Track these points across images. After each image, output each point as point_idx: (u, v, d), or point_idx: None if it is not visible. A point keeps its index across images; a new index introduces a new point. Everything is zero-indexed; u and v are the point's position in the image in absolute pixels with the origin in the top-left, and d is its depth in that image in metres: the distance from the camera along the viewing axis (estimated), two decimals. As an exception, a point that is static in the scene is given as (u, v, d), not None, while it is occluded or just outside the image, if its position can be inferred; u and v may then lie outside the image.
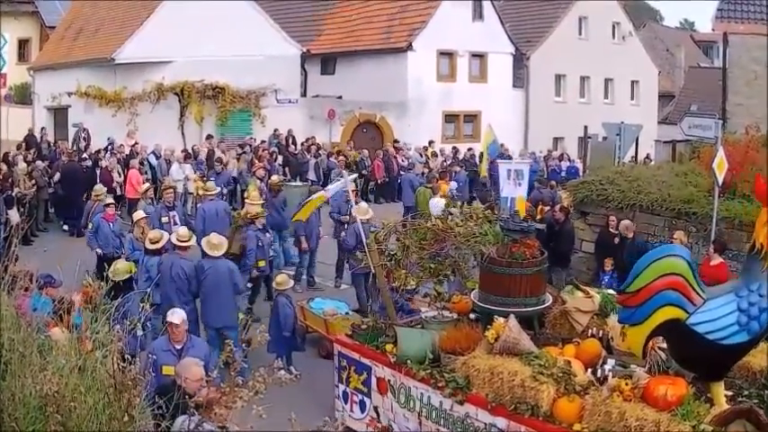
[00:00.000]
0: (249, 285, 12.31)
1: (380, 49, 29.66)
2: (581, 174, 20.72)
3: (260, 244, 12.54)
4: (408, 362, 7.60)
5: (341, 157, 23.00)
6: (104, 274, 7.15)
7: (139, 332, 7.74)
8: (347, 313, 11.18)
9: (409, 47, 28.71)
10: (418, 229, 8.56)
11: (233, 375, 4.43)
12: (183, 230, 10.89)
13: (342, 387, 8.60)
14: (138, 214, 13.05)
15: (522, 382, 6.63)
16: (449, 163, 24.14)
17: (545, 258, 7.88)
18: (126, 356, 4.42)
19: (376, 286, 8.36)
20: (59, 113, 27.22)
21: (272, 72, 26.34)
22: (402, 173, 24.24)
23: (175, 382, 5.63)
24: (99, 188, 15.63)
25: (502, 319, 7.23)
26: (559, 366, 6.67)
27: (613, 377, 6.49)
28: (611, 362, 6.99)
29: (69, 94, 25.79)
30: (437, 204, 15.51)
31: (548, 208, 14.52)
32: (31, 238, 16.41)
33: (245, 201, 14.58)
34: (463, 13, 29.44)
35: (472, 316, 8.18)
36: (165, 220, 13.65)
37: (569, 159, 24.73)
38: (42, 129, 24.81)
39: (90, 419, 4.01)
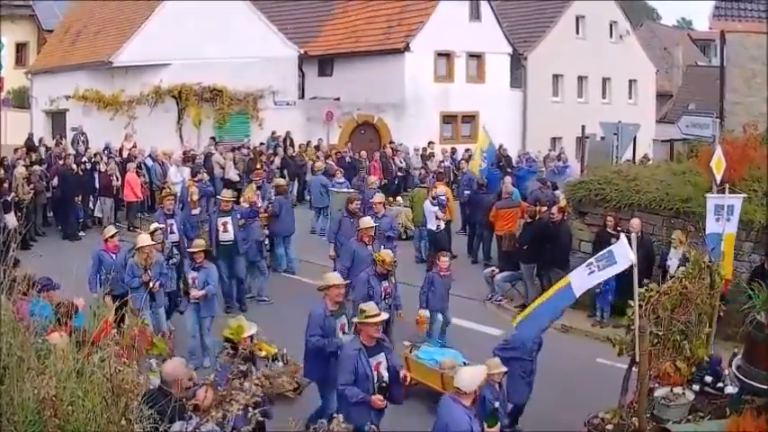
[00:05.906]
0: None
1: (378, 50, 29.65)
2: (572, 172, 20.71)
3: (371, 292, 9.50)
4: None
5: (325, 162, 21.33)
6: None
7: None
8: (464, 364, 9.58)
9: (406, 48, 28.70)
10: (671, 293, 7.04)
11: (231, 378, 4.44)
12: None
13: None
14: (143, 239, 10.81)
15: None
16: (446, 165, 24.11)
17: None
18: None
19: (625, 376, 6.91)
20: (57, 117, 27.23)
21: (269, 74, 26.38)
22: (399, 174, 24.24)
23: (161, 388, 5.57)
24: (109, 229, 11.90)
25: None
26: None
27: None
28: None
29: (67, 97, 25.83)
30: (430, 207, 15.56)
31: (545, 208, 14.52)
32: (29, 243, 16.41)
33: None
34: (460, 13, 29.40)
35: (695, 388, 7.32)
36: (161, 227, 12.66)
37: (563, 159, 24.74)
38: (41, 138, 24.69)
39: (88, 423, 4.01)
